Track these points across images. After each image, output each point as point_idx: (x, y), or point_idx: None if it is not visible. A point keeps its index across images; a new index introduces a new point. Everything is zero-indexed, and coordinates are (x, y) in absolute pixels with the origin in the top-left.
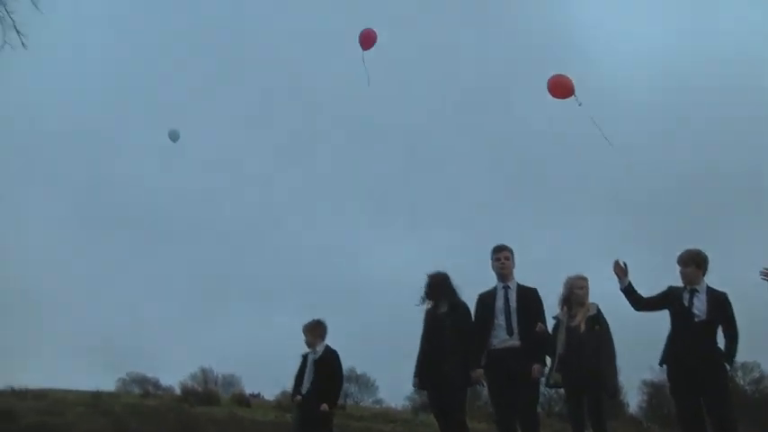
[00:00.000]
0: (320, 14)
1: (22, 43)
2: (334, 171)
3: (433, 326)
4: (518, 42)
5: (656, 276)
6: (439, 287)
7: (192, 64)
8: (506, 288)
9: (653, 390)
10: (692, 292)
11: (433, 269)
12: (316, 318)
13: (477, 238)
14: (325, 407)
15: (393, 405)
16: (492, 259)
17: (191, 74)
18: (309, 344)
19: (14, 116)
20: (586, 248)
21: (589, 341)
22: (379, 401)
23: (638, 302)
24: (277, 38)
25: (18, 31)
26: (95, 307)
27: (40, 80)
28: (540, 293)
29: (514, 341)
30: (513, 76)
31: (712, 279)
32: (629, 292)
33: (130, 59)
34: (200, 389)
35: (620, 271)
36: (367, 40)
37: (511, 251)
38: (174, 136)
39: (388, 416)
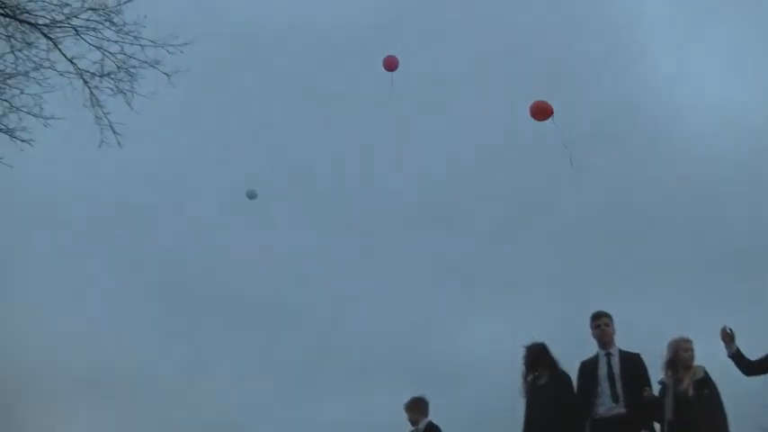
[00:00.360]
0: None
1: (118, 142)
2: (416, 248)
3: (534, 398)
4: (602, 107)
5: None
6: (538, 358)
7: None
8: (608, 355)
9: None
10: None
11: (529, 340)
12: (416, 395)
13: (570, 307)
14: None
15: None
16: (591, 326)
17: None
18: (413, 422)
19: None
20: (688, 309)
21: (698, 405)
22: None
23: (748, 368)
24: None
25: (114, 131)
26: (184, 392)
27: (134, 171)
28: (644, 359)
29: (621, 408)
30: (599, 135)
31: None
32: (737, 357)
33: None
34: None
35: (727, 337)
36: (390, 65)
37: (610, 317)
38: (251, 195)
39: None
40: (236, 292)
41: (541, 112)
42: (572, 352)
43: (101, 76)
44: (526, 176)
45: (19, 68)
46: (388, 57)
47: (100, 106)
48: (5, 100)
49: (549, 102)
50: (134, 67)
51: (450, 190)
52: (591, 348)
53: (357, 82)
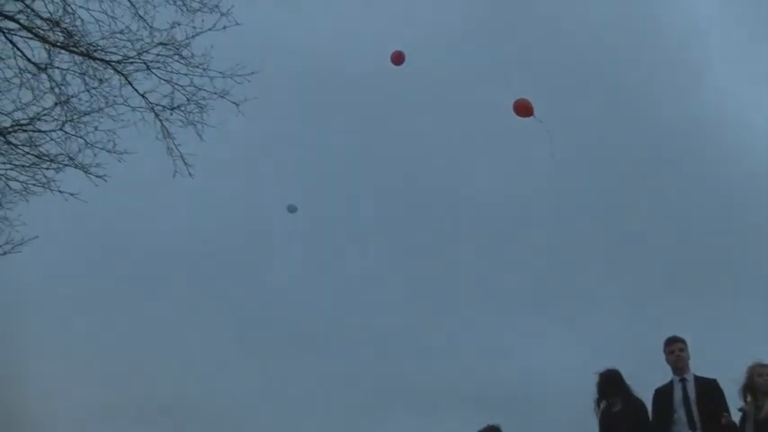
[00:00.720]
0: None
1: (189, 173)
2: (483, 268)
3: (608, 425)
4: (658, 131)
5: None
6: (611, 385)
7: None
8: (683, 380)
9: None
10: None
11: (602, 367)
12: (490, 423)
13: (643, 328)
14: None
15: None
16: (665, 352)
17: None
18: None
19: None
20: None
21: None
22: None
23: None
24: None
25: (185, 162)
26: (254, 416)
27: (205, 201)
28: (721, 384)
29: None
30: (662, 159)
31: None
32: None
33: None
34: None
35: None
36: (398, 59)
37: (684, 342)
38: (291, 209)
39: None
40: (304, 317)
41: (524, 108)
42: (645, 375)
43: (171, 109)
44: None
45: (93, 105)
46: (396, 51)
47: (171, 138)
48: (81, 137)
49: None
50: (203, 98)
51: (515, 208)
52: (665, 372)
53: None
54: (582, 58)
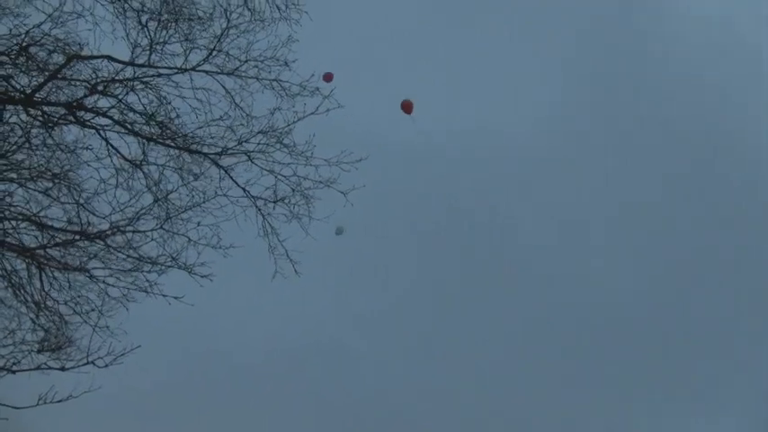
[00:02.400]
0: None
1: (296, 271)
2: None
3: None
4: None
5: None
6: None
7: None
8: None
9: None
10: None
11: None
12: None
13: None
14: None
15: None
16: None
17: None
18: None
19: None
20: None
21: None
22: None
23: None
24: None
25: (291, 260)
26: None
27: (316, 302)
28: None
29: None
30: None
31: None
32: None
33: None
34: None
35: None
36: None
37: None
38: (339, 231)
39: None
40: None
41: (407, 107)
42: None
43: (274, 202)
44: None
45: (194, 200)
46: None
47: (275, 234)
48: (183, 234)
49: None
50: (308, 188)
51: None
52: None
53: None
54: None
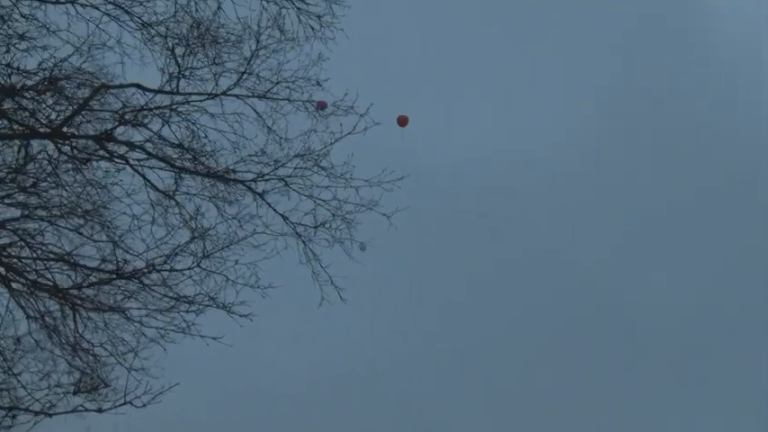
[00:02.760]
0: None
1: (341, 297)
2: None
3: None
4: None
5: None
6: None
7: None
8: None
9: None
10: None
11: None
12: None
13: None
14: None
15: None
16: None
17: None
18: None
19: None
20: None
21: None
22: None
23: None
24: None
25: (335, 286)
26: None
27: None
28: None
29: None
30: None
31: None
32: None
33: None
34: None
35: None
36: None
37: None
38: (362, 247)
39: None
40: None
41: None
42: None
43: (314, 228)
44: None
45: (231, 237)
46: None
47: (317, 260)
48: (221, 273)
49: None
50: (349, 212)
51: None
52: None
53: None
54: None
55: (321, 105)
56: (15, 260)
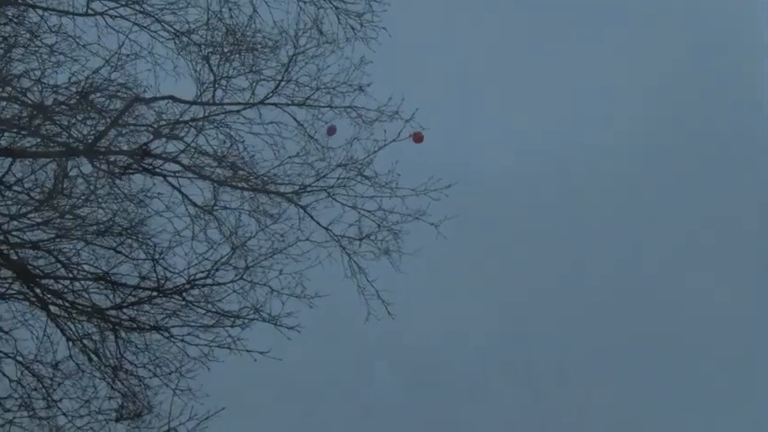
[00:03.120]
0: None
1: (388, 312)
2: None
3: None
4: None
5: None
6: None
7: None
8: None
9: None
10: None
11: None
12: None
13: None
14: None
15: None
16: None
17: None
18: None
19: None
20: None
21: None
22: None
23: None
24: None
25: (383, 300)
26: None
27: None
28: None
29: None
30: None
31: None
32: None
33: None
34: None
35: None
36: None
37: None
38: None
39: None
40: None
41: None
42: None
43: (359, 240)
44: None
45: (274, 246)
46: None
47: (363, 274)
48: (265, 284)
49: None
50: (396, 222)
51: None
52: None
53: None
54: None
55: (331, 131)
56: (52, 281)
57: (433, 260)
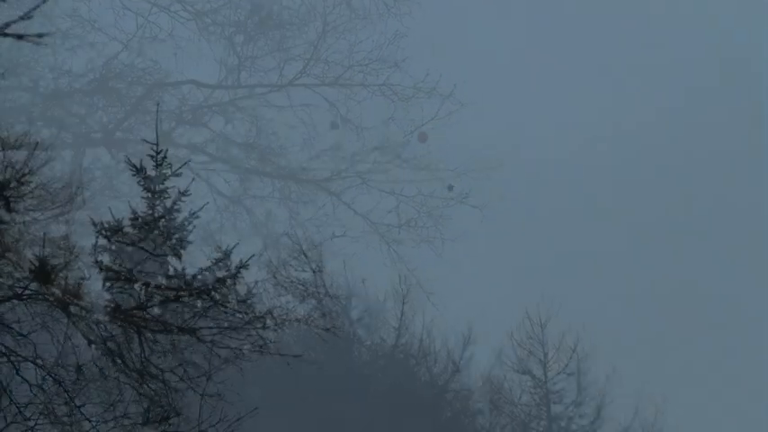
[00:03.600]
0: None
1: (431, 303)
2: None
3: None
4: None
5: None
6: None
7: None
8: None
9: None
10: None
11: None
12: None
13: None
14: None
15: None
16: None
17: None
18: None
19: None
20: None
21: None
22: None
23: None
24: None
25: (425, 291)
26: None
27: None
28: None
29: None
30: None
31: None
32: None
33: None
34: None
35: None
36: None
37: None
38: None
39: None
40: None
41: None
42: None
43: (398, 227)
44: None
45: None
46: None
47: (403, 263)
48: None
49: None
50: (436, 207)
51: None
52: None
53: None
54: None
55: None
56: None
57: (479, 245)
